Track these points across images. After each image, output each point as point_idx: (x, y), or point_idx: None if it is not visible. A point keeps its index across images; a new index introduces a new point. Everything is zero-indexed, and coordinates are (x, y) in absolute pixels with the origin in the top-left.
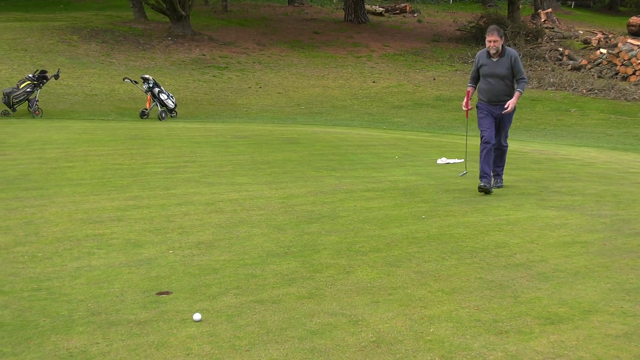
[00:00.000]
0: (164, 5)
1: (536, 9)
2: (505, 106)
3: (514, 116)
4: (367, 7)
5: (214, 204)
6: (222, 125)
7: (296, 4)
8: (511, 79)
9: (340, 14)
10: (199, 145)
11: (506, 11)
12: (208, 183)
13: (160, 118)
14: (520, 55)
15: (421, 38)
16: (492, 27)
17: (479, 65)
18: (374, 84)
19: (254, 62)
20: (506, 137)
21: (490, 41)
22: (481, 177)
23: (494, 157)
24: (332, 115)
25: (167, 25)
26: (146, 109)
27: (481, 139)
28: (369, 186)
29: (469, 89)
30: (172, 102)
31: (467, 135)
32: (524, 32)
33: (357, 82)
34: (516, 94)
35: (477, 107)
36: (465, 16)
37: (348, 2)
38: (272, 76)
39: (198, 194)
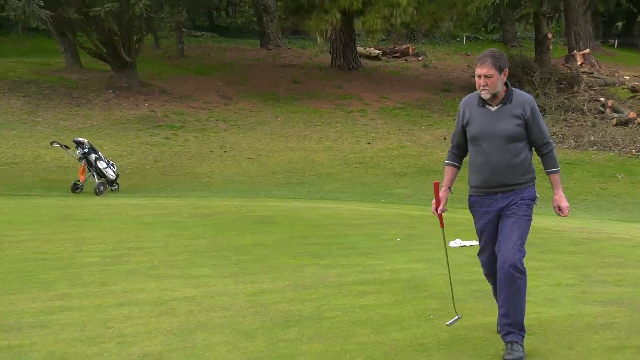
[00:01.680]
0: (104, 50)
1: (570, 50)
2: (558, 210)
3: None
4: (360, 49)
5: (164, 304)
6: (177, 200)
7: (270, 47)
8: (524, 144)
9: (326, 58)
10: (147, 227)
11: (533, 52)
12: (157, 276)
13: (97, 192)
14: (552, 107)
15: (428, 87)
16: (484, 53)
17: (464, 122)
18: (368, 145)
19: (218, 120)
20: (519, 250)
21: (480, 76)
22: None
23: (497, 290)
24: (317, 186)
25: (108, 75)
26: (79, 181)
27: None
28: (363, 277)
29: (446, 171)
30: (113, 171)
31: (447, 257)
32: (556, 78)
33: (347, 143)
34: (555, 178)
35: (469, 205)
36: None
37: (335, 44)
38: (241, 137)
39: (144, 291)
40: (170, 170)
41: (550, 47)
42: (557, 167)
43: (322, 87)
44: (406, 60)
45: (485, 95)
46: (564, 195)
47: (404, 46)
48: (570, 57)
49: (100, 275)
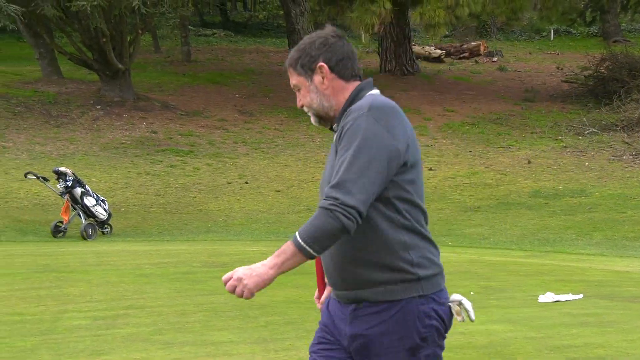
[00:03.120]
0: (90, 55)
1: None
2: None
3: None
4: (417, 48)
5: None
6: (186, 246)
7: None
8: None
9: (373, 60)
10: (149, 279)
11: None
12: (164, 343)
13: (85, 236)
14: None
15: (506, 96)
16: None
17: None
18: (431, 172)
19: (236, 142)
20: None
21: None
22: None
23: None
24: None
25: (95, 87)
26: (62, 223)
27: None
28: None
29: None
30: (104, 210)
31: None
32: None
33: None
34: (284, 247)
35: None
36: (576, 59)
37: (385, 43)
38: (265, 164)
39: None
40: (177, 208)
41: None
42: (298, 233)
43: None
44: (477, 61)
45: (312, 121)
46: (259, 269)
47: (473, 44)
48: None
49: (92, 342)
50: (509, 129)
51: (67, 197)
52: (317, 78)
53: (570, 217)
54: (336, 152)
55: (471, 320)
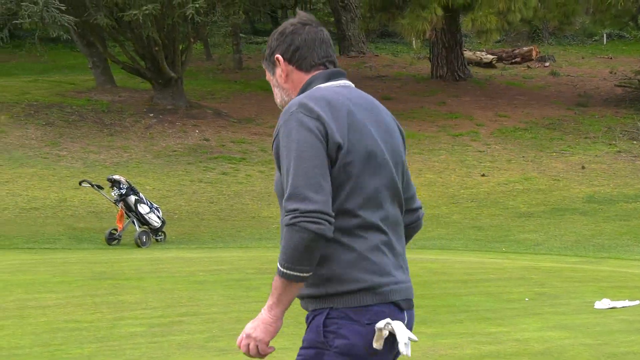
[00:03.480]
0: (143, 64)
1: None
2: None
3: None
4: (468, 54)
5: None
6: (239, 252)
7: (352, 53)
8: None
9: (425, 66)
10: (203, 286)
11: None
12: (219, 350)
13: (139, 244)
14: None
15: (559, 101)
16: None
17: None
18: (483, 178)
19: None
20: None
21: None
22: None
23: None
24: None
25: (148, 95)
26: (116, 230)
27: None
28: (483, 350)
29: None
30: (158, 217)
31: None
32: None
33: (456, 176)
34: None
35: None
36: (630, 63)
37: (436, 49)
38: None
39: None
40: (230, 215)
41: None
42: (278, 263)
43: (420, 104)
44: (529, 66)
45: None
46: (262, 316)
47: (525, 49)
48: None
49: (147, 349)
50: (562, 134)
51: (121, 204)
52: (277, 71)
53: (625, 223)
54: (278, 156)
55: (407, 355)
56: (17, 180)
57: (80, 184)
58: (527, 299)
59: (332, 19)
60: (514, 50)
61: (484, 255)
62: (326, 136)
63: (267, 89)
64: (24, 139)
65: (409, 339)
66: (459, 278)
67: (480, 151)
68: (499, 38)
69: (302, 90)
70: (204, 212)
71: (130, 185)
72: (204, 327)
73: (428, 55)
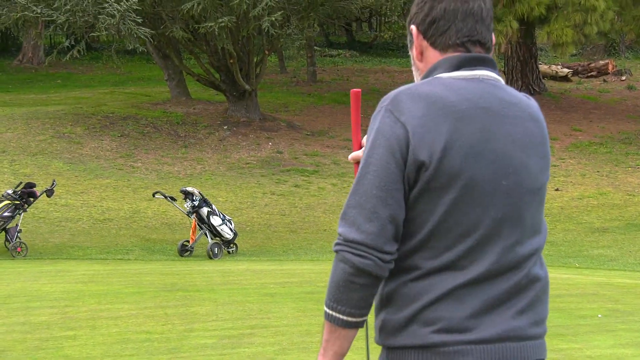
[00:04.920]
0: (218, 77)
1: None
2: None
3: None
4: (544, 67)
5: None
6: (311, 265)
7: None
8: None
9: None
10: (273, 299)
11: None
12: None
13: (211, 256)
14: None
15: (635, 115)
16: None
17: None
18: (557, 192)
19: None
20: None
21: None
22: None
23: None
24: None
25: (223, 107)
26: (189, 242)
27: None
28: None
29: None
30: (230, 229)
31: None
32: None
33: None
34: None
35: None
36: None
37: (511, 62)
38: None
39: None
40: (302, 227)
41: None
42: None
43: None
44: (605, 80)
45: None
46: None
47: (601, 62)
48: None
49: None
50: (638, 148)
51: (194, 216)
52: (414, 47)
53: None
54: None
55: None
56: (92, 191)
57: (153, 195)
58: (600, 316)
59: (407, 32)
60: (590, 63)
61: (556, 270)
62: (406, 150)
63: (341, 102)
64: (99, 150)
65: None
66: None
67: (555, 165)
68: (574, 51)
69: (424, 77)
70: (276, 225)
71: (203, 197)
72: (274, 340)
73: (503, 69)
